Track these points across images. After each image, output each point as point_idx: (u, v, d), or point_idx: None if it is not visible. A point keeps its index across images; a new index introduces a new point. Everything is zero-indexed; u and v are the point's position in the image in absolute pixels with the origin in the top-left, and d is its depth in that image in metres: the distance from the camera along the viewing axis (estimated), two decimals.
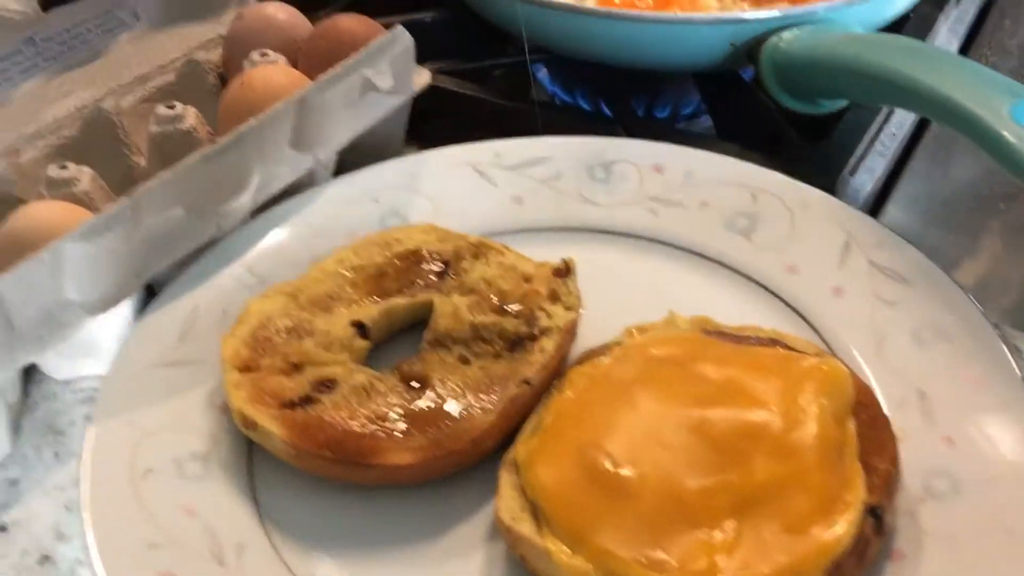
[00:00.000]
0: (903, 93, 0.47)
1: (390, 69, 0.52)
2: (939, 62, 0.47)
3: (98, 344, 0.47)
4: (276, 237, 0.49)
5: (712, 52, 0.58)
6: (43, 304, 0.41)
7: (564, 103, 0.67)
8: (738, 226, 0.50)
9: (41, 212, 0.43)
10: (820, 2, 0.56)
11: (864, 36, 0.53)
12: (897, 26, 0.62)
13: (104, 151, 0.54)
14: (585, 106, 0.67)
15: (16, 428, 0.45)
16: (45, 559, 0.40)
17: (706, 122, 0.65)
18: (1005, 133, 0.42)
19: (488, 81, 0.66)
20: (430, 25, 0.70)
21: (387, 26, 0.56)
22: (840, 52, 0.51)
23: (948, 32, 0.70)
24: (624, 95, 0.64)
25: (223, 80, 0.60)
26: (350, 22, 0.56)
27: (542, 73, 0.68)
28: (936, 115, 0.47)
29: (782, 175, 0.51)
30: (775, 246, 0.48)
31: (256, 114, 0.48)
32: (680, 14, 0.58)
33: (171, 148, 0.51)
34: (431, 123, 0.63)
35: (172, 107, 0.51)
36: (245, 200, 0.47)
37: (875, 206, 0.57)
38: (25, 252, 0.40)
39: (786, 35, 0.55)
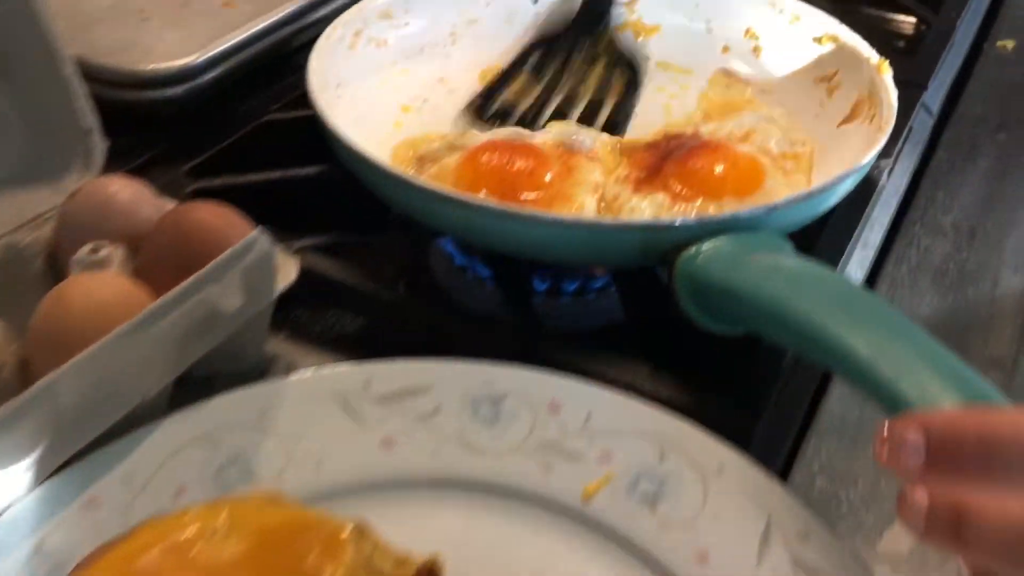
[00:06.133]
0: (833, 357, 0.40)
1: (241, 284, 0.44)
2: (881, 327, 0.40)
3: None
4: (76, 502, 0.40)
5: (622, 255, 0.51)
6: None
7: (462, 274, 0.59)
8: (642, 492, 0.42)
9: None
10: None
11: (792, 269, 0.45)
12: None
13: None
14: (484, 272, 0.59)
15: None
16: None
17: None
18: None
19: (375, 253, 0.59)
20: (315, 181, 0.62)
21: (257, 203, 0.49)
22: (761, 287, 0.44)
23: (879, 210, 0.64)
24: (527, 271, 0.57)
25: (53, 264, 0.51)
26: (202, 213, 0.48)
27: (442, 238, 0.61)
28: (868, 393, 0.39)
29: (695, 428, 0.43)
30: (684, 523, 0.41)
31: (70, 342, 0.40)
32: (586, 218, 0.51)
33: None
34: (302, 308, 0.56)
35: None
36: None
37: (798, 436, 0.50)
38: None
39: (705, 247, 0.48)
